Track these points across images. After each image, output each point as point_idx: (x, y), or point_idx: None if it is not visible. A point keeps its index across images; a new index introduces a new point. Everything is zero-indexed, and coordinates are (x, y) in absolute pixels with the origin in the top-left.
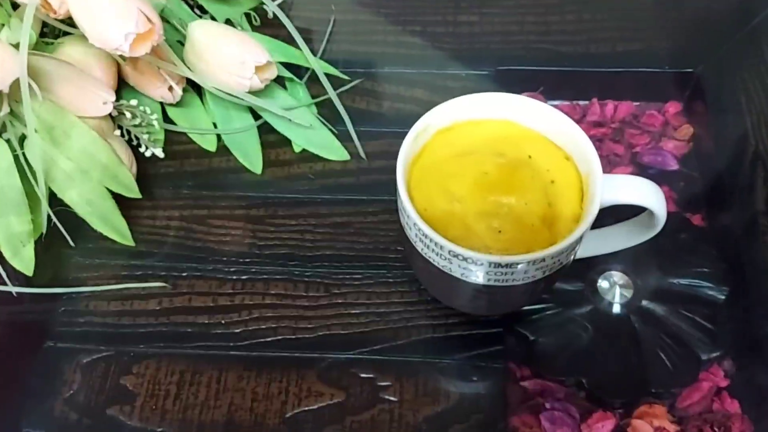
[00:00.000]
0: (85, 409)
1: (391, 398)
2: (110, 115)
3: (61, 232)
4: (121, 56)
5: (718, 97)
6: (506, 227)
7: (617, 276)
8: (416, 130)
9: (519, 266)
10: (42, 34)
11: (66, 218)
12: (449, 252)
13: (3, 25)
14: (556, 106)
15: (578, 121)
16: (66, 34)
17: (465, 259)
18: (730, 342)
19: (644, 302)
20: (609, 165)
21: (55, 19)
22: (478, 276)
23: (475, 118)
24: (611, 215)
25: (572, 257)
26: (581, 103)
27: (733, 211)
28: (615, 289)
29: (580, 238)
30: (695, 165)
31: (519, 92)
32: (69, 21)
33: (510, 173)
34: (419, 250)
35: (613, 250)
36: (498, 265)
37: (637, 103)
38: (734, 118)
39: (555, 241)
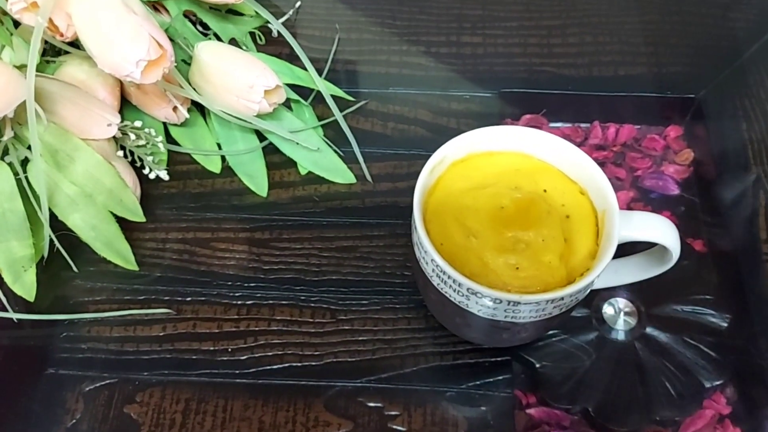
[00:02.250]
0: None
1: (400, 428)
2: (114, 136)
3: (63, 255)
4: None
5: (719, 122)
6: (524, 264)
7: (622, 303)
8: (433, 163)
9: (537, 305)
10: (42, 53)
11: (67, 240)
12: (468, 289)
13: (4, 46)
14: (558, 129)
15: (580, 144)
16: (67, 52)
17: (484, 296)
18: (732, 369)
19: (648, 329)
20: None
21: (63, 42)
22: (494, 312)
23: (490, 150)
24: (619, 245)
25: (588, 292)
26: (583, 125)
27: (734, 237)
28: (620, 317)
29: (598, 276)
30: (696, 190)
31: (522, 114)
32: (73, 41)
33: (526, 208)
34: (435, 284)
35: (624, 283)
36: (516, 303)
37: (639, 127)
38: (735, 143)
39: (571, 278)
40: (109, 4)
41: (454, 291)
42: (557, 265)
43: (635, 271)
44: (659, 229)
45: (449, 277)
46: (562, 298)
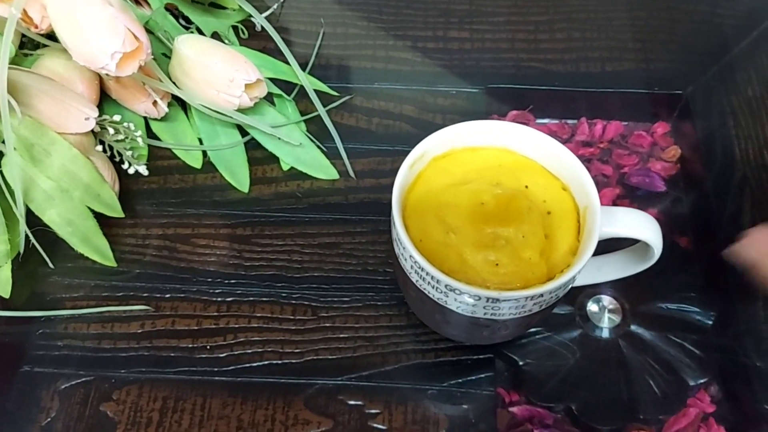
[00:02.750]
0: None
1: (380, 426)
2: (92, 130)
3: (39, 251)
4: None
5: (706, 119)
6: (504, 261)
7: (606, 300)
8: (413, 158)
9: (517, 301)
10: (21, 45)
11: (44, 236)
12: (446, 286)
13: None
14: (544, 125)
15: (567, 141)
16: (45, 45)
17: (462, 293)
18: (717, 368)
19: (633, 327)
20: (597, 186)
21: (38, 34)
22: (473, 309)
23: (472, 145)
24: (603, 242)
25: (569, 289)
26: (570, 122)
27: (720, 234)
28: (604, 314)
29: (579, 272)
30: (682, 187)
31: (508, 110)
32: (50, 34)
33: (507, 204)
34: (414, 281)
35: (606, 280)
36: (495, 300)
37: (626, 123)
38: (722, 140)
39: (551, 274)
40: None
41: (433, 288)
42: (537, 261)
43: (618, 267)
44: (641, 226)
45: (427, 273)
46: (542, 295)
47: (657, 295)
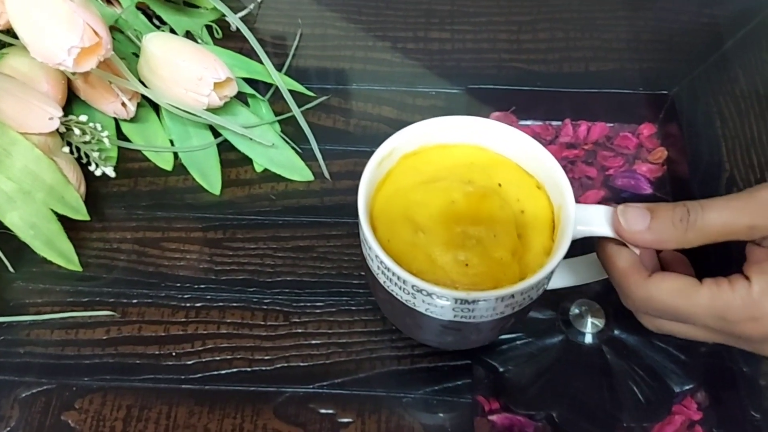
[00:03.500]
0: None
1: None
2: (58, 131)
3: (2, 258)
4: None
5: (692, 120)
6: (474, 261)
7: (589, 304)
8: (381, 155)
9: (487, 303)
10: None
11: (6, 240)
12: (413, 287)
13: None
14: (528, 127)
15: (551, 142)
16: (11, 44)
17: (429, 294)
18: (703, 374)
19: (616, 332)
20: (581, 188)
21: None
22: (443, 312)
23: (444, 142)
24: (581, 242)
25: (542, 291)
26: (554, 123)
27: None
28: (587, 319)
29: (551, 273)
30: (669, 189)
31: (490, 111)
32: (10, 30)
33: (478, 202)
34: (381, 282)
35: (584, 282)
36: (464, 301)
37: (611, 125)
38: (708, 141)
39: (524, 275)
40: None
41: (401, 289)
42: (509, 261)
43: (596, 269)
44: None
45: (394, 274)
46: (513, 296)
47: None
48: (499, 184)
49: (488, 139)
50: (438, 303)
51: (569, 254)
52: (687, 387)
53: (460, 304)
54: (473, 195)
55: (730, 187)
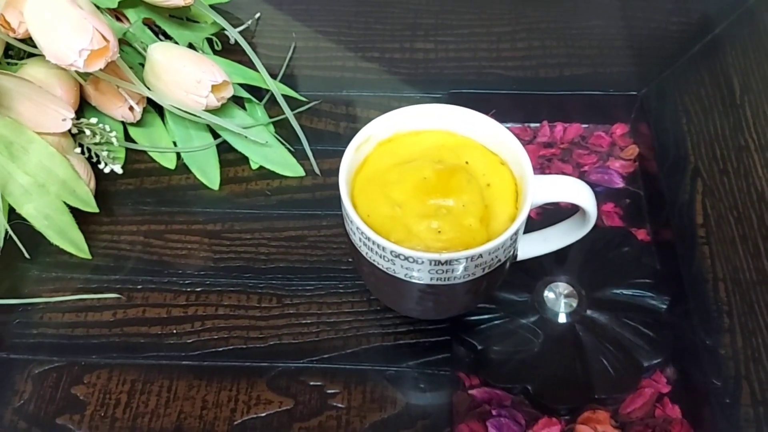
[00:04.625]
0: (35, 418)
1: (339, 405)
2: (71, 133)
3: (18, 245)
4: (81, 76)
5: (660, 118)
6: (445, 227)
7: (562, 287)
8: (358, 141)
9: (459, 263)
10: (8, 56)
11: (23, 231)
12: (391, 252)
13: None
14: (507, 128)
15: (529, 143)
16: (32, 55)
17: (406, 258)
18: (670, 349)
19: (589, 312)
20: None
21: (15, 39)
22: (420, 276)
23: (416, 129)
24: (554, 219)
25: (511, 254)
26: (532, 125)
27: (674, 224)
28: (560, 300)
29: (515, 234)
30: (641, 183)
31: None
32: (27, 40)
33: (448, 178)
34: (364, 254)
35: (552, 249)
36: (438, 262)
37: (586, 125)
38: (676, 137)
39: (492, 240)
40: (56, 0)
41: (381, 257)
42: (478, 228)
43: (561, 236)
44: (572, 189)
45: (374, 243)
46: (482, 255)
47: (613, 282)
48: (467, 162)
49: (455, 124)
50: (415, 267)
51: (542, 226)
52: (655, 361)
53: (435, 265)
54: (443, 172)
55: (695, 177)
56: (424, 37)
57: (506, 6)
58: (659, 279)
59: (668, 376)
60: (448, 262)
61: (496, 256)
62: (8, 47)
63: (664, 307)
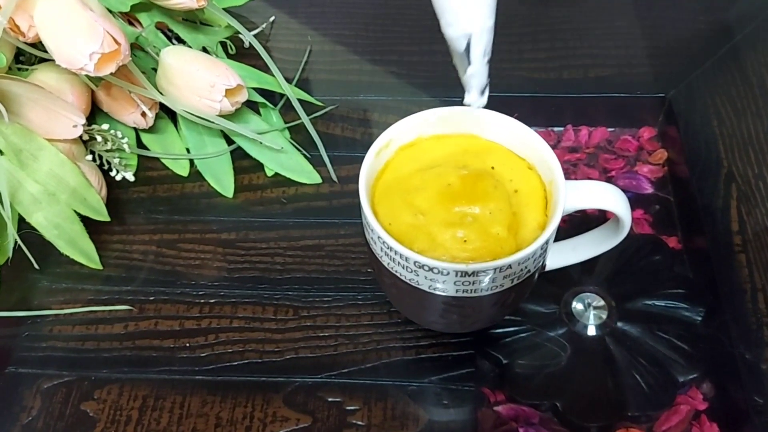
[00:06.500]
0: None
1: (359, 423)
2: (82, 139)
3: (27, 255)
4: (92, 81)
5: (690, 121)
6: (471, 236)
7: (591, 298)
8: (378, 145)
9: (486, 274)
10: (19, 62)
11: (33, 241)
12: (415, 263)
13: None
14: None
15: (553, 147)
16: (43, 60)
17: (431, 269)
18: (707, 363)
19: (619, 324)
20: None
21: (26, 43)
22: (445, 287)
23: (439, 132)
24: (581, 227)
25: (540, 265)
26: (555, 129)
27: (707, 232)
28: (590, 311)
29: (546, 243)
30: (670, 188)
31: None
32: (38, 44)
33: (473, 184)
34: (385, 264)
35: (583, 259)
36: (464, 273)
37: (612, 129)
38: (707, 141)
39: (521, 249)
40: (66, 3)
41: (403, 268)
42: (505, 236)
43: (592, 246)
44: (605, 196)
45: (396, 252)
46: (510, 266)
47: (644, 292)
48: (492, 167)
49: (480, 127)
50: (439, 278)
51: (568, 234)
52: (691, 376)
53: (461, 277)
54: (468, 177)
55: (729, 184)
56: (442, 40)
57: (527, 6)
58: (693, 289)
59: (705, 393)
60: (474, 273)
61: (525, 267)
62: (20, 53)
63: (699, 318)
